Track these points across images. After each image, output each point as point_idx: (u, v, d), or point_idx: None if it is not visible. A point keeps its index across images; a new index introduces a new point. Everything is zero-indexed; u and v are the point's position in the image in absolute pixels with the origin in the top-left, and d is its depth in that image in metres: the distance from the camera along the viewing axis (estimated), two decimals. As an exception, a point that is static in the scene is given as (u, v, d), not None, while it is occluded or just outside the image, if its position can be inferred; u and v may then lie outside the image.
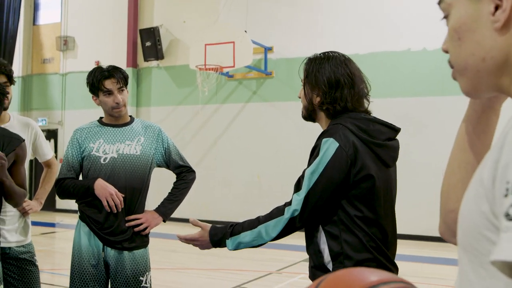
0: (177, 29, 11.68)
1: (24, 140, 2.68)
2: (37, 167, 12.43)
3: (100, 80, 2.78)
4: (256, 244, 1.91)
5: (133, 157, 2.82)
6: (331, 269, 1.86)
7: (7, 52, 12.45)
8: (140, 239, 2.86)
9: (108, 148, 2.80)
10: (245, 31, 9.83)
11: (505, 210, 0.60)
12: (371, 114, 2.02)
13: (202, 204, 10.82)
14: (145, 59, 11.79)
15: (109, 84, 2.78)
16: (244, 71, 10.61)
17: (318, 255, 1.89)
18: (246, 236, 1.91)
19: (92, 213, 2.80)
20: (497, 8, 0.72)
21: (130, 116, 2.99)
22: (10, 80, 3.00)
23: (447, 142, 9.77)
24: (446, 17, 0.81)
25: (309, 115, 2.00)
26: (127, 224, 2.80)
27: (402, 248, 8.51)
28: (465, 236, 0.72)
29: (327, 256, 1.87)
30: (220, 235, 1.98)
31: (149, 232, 2.90)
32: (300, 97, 2.03)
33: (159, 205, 2.99)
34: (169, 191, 3.05)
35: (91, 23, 12.81)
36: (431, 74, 8.99)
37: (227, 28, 10.01)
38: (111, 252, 2.79)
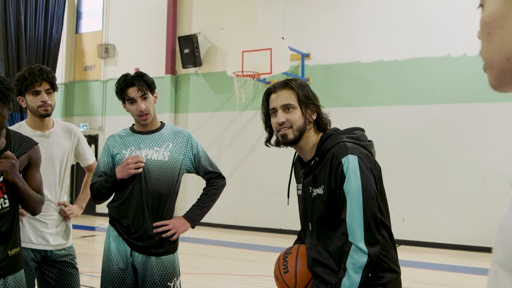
0: (215, 36, 11.79)
1: (37, 144, 2.63)
2: (79, 172, 12.72)
3: (123, 88, 2.82)
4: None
5: (161, 163, 2.84)
6: (370, 274, 1.96)
7: (51, 60, 12.81)
8: (168, 245, 2.86)
9: (137, 154, 2.83)
10: (282, 38, 9.84)
11: None
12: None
13: (238, 210, 10.85)
14: (184, 66, 11.93)
15: (131, 92, 2.81)
16: (281, 77, 10.60)
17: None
18: None
19: (120, 218, 2.83)
20: None
21: (161, 122, 3.01)
22: (53, 87, 3.06)
23: (487, 149, 9.63)
24: (481, 5, 0.80)
25: (300, 135, 2.13)
26: (154, 231, 2.81)
27: (444, 258, 8.37)
28: (509, 254, 0.70)
29: None
30: None
31: (177, 238, 2.91)
32: (286, 121, 2.12)
33: (187, 211, 2.99)
34: (198, 197, 3.06)
35: (131, 31, 13.06)
36: (471, 80, 8.81)
37: (264, 34, 10.04)
38: (138, 257, 2.82)
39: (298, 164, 2.26)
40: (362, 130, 2.17)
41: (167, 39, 12.32)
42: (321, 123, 2.16)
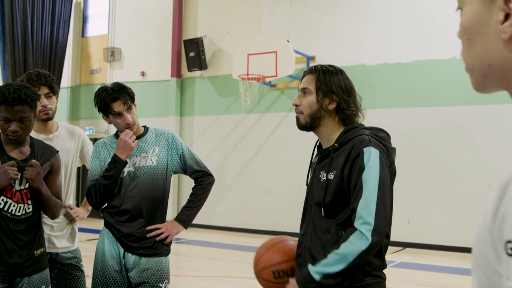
0: (220, 40, 11.82)
1: (58, 151, 2.78)
2: (84, 174, 12.76)
3: (107, 103, 2.80)
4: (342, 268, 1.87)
5: (150, 168, 2.87)
6: (351, 274, 1.91)
7: (57, 63, 12.87)
8: (161, 248, 2.90)
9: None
10: (288, 41, 9.85)
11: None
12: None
13: (244, 213, 10.86)
14: (189, 69, 11.97)
15: (117, 107, 2.80)
16: (287, 80, 10.63)
17: None
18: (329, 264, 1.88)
19: (115, 223, 2.86)
20: (507, 17, 0.67)
21: (144, 126, 3.01)
22: (53, 90, 3.07)
23: (493, 151, 9.61)
24: (460, 8, 0.78)
25: (313, 122, 2.10)
26: (148, 235, 2.85)
27: (449, 260, 8.34)
28: (478, 265, 0.71)
29: None
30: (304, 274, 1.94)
31: (170, 241, 2.95)
32: (298, 105, 2.12)
33: (178, 214, 3.03)
34: (188, 197, 3.08)
35: (136, 35, 13.11)
36: (477, 82, 8.78)
37: (269, 38, 10.06)
38: (131, 258, 2.85)
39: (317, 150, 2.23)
40: (388, 135, 2.13)
41: (172, 43, 12.36)
42: (340, 116, 2.09)
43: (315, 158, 2.19)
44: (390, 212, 1.95)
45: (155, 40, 12.77)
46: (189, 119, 12.21)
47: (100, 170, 2.89)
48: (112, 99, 2.80)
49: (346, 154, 1.96)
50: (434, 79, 9.39)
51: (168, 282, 2.92)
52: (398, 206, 10.50)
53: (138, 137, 2.92)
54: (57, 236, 3.08)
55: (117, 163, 2.79)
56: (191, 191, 3.07)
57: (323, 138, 2.13)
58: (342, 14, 10.39)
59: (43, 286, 2.67)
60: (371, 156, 1.91)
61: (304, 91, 2.12)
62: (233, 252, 8.75)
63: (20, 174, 2.52)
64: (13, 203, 2.55)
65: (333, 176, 1.98)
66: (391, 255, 8.37)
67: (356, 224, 1.84)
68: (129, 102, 2.83)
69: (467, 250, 8.60)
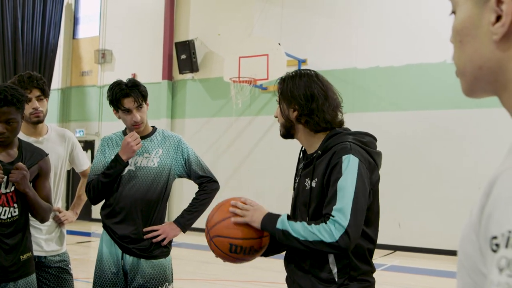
0: (211, 42, 11.81)
1: (47, 154, 2.74)
2: (74, 177, 12.69)
3: (119, 98, 2.80)
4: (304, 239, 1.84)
5: (150, 169, 2.85)
6: (336, 280, 1.91)
7: (48, 65, 12.80)
8: (159, 249, 2.87)
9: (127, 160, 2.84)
10: (279, 44, 9.86)
11: (496, 268, 0.59)
12: (344, 125, 2.11)
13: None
14: (180, 72, 11.94)
15: (127, 103, 2.80)
16: (278, 83, 10.62)
17: (323, 266, 1.92)
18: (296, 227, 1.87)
19: (112, 223, 2.85)
20: (498, 18, 0.69)
21: (153, 127, 3.00)
22: (44, 93, 3.05)
23: (484, 155, 9.65)
24: (454, 12, 0.79)
25: (288, 131, 2.09)
26: (145, 236, 2.82)
27: (440, 263, 8.36)
28: (463, 266, 0.71)
29: (333, 267, 1.91)
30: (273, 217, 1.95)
31: (168, 243, 2.91)
32: (276, 116, 2.13)
33: (178, 216, 3.00)
34: (190, 201, 3.05)
35: (128, 36, 13.07)
36: (468, 86, 8.84)
37: (261, 40, 10.07)
38: (129, 260, 2.83)
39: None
40: (374, 138, 2.07)
41: (164, 45, 12.33)
42: (303, 124, 2.03)
43: (301, 164, 2.16)
44: (374, 226, 1.96)
45: (146, 42, 12.74)
46: (180, 121, 12.18)
47: (103, 166, 2.87)
48: (124, 95, 2.79)
49: (326, 161, 1.94)
50: (425, 83, 9.43)
51: (169, 284, 2.88)
52: (389, 209, 10.60)
53: (144, 137, 2.91)
54: (45, 239, 3.06)
55: (117, 163, 2.78)
56: (194, 196, 3.03)
57: (304, 145, 2.12)
58: (334, 18, 10.41)
59: None
60: (350, 164, 1.87)
61: (279, 105, 2.11)
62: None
63: (6, 177, 2.49)
64: None
65: (315, 183, 1.96)
66: (382, 258, 8.38)
67: (328, 222, 1.81)
68: (140, 100, 2.81)
69: (457, 253, 8.67)
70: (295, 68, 10.50)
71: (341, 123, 2.08)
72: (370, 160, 1.97)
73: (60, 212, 3.16)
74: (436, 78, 9.32)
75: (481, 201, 0.66)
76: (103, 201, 2.93)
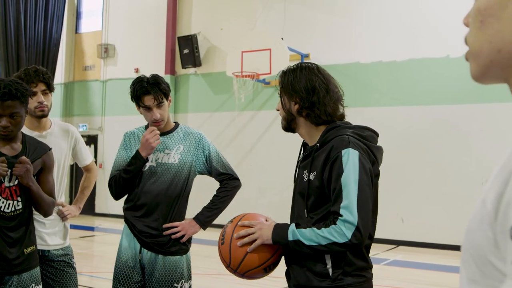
0: (214, 37, 11.80)
1: (51, 149, 2.75)
2: (78, 172, 12.72)
3: (139, 95, 2.80)
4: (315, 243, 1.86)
5: (170, 165, 2.85)
6: (330, 274, 1.91)
7: (51, 60, 12.81)
8: (178, 246, 2.87)
9: (149, 156, 2.84)
10: (282, 38, 9.84)
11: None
12: (346, 120, 2.12)
13: (237, 211, 10.83)
14: (183, 66, 11.94)
15: (147, 100, 2.79)
16: (281, 78, 10.61)
17: (317, 260, 1.92)
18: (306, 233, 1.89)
19: (132, 219, 2.86)
20: None
21: (175, 122, 3.00)
22: (49, 87, 3.07)
23: (487, 150, 9.62)
24: None
25: (289, 125, 2.11)
26: (164, 233, 2.83)
27: (442, 258, 8.36)
28: (470, 256, 0.70)
29: (328, 261, 1.92)
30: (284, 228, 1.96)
31: (188, 240, 2.91)
32: (278, 110, 2.14)
33: (198, 213, 2.98)
34: (211, 199, 3.03)
35: (130, 31, 13.06)
36: (470, 81, 8.69)
37: (263, 35, 10.05)
38: (147, 255, 2.84)
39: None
40: (375, 132, 2.06)
41: (166, 39, 12.33)
42: (304, 117, 2.03)
43: (301, 156, 2.17)
44: (371, 213, 1.93)
45: (149, 36, 12.74)
46: (183, 116, 12.18)
47: (125, 161, 2.88)
48: (144, 92, 2.79)
49: (325, 155, 1.93)
50: (428, 78, 9.41)
51: (186, 281, 2.87)
52: (392, 204, 10.59)
53: (165, 133, 2.90)
54: (49, 234, 3.07)
55: (137, 159, 2.79)
56: (215, 193, 3.03)
57: (305, 138, 2.12)
58: (336, 12, 10.39)
59: (33, 285, 2.64)
60: (350, 158, 1.86)
61: (280, 99, 2.12)
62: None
63: (10, 170, 2.50)
64: (2, 199, 2.52)
65: (313, 176, 1.96)
66: (385, 253, 8.39)
67: (338, 222, 1.82)
68: (160, 98, 2.80)
69: (459, 248, 8.68)
70: (297, 62, 10.49)
71: (342, 116, 2.09)
72: (370, 153, 1.96)
73: (63, 206, 3.17)
74: (439, 73, 9.30)
75: (498, 189, 0.64)
76: (125, 196, 2.94)
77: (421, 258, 8.19)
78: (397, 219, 9.32)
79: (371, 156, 1.97)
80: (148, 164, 2.84)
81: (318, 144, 1.99)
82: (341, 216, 1.82)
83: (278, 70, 10.40)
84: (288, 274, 2.11)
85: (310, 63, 2.13)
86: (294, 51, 10.18)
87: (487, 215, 0.66)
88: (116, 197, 2.91)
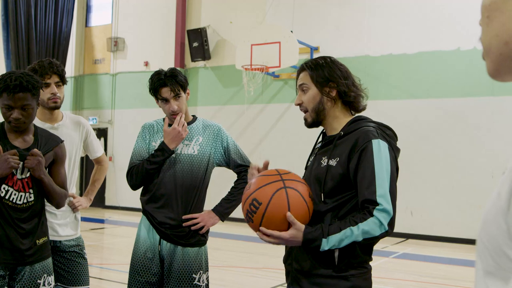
0: (223, 30, 11.79)
1: (63, 141, 2.76)
2: (88, 164, 12.79)
3: (157, 88, 2.82)
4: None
5: (190, 156, 2.87)
6: (336, 263, 1.93)
7: (61, 53, 12.87)
8: (196, 238, 2.88)
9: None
10: (291, 31, 9.82)
11: None
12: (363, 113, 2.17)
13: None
14: (192, 60, 11.95)
15: (164, 92, 2.82)
16: (290, 71, 10.61)
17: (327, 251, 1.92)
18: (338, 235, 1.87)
19: (151, 209, 2.87)
20: None
21: (193, 116, 3.02)
22: (62, 80, 3.10)
23: (497, 143, 9.56)
24: None
25: (318, 116, 2.10)
26: (184, 224, 2.84)
27: (451, 251, 8.35)
28: (486, 248, 0.70)
29: (335, 250, 1.93)
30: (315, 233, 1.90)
31: (206, 232, 2.93)
32: (300, 104, 2.13)
33: (216, 205, 3.01)
34: (229, 190, 3.05)
35: (140, 24, 13.09)
36: (481, 73, 8.75)
37: (273, 28, 10.03)
38: (166, 246, 2.85)
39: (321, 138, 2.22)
40: (395, 134, 2.08)
41: (176, 33, 12.34)
42: (345, 99, 2.08)
43: (318, 143, 2.18)
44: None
45: (158, 30, 12.75)
46: (193, 109, 12.19)
47: (144, 152, 2.90)
48: (161, 85, 2.81)
49: (351, 143, 1.95)
50: (438, 71, 9.35)
51: (204, 272, 2.89)
52: (401, 197, 10.52)
53: None
54: (60, 224, 3.10)
55: (164, 151, 2.80)
56: (233, 185, 3.05)
57: (329, 128, 2.13)
58: (346, 5, 10.34)
59: (45, 275, 2.67)
60: (381, 149, 1.90)
61: (302, 88, 2.11)
62: (236, 242, 8.78)
63: (21, 163, 2.52)
64: (14, 191, 2.54)
65: (335, 162, 1.96)
66: (394, 246, 8.38)
67: (376, 212, 1.84)
68: (177, 90, 2.82)
69: (469, 241, 8.63)
70: (307, 56, 10.47)
71: (364, 108, 2.15)
72: (393, 150, 1.98)
73: (74, 198, 3.20)
74: (449, 65, 9.24)
75: (509, 183, 0.65)
76: (142, 187, 2.95)
77: (430, 251, 8.18)
78: (407, 212, 9.30)
79: (398, 152, 2.02)
80: None
81: (342, 133, 2.03)
82: (379, 205, 1.84)
83: (287, 63, 10.41)
84: (287, 259, 2.11)
85: (328, 56, 2.19)
86: (303, 44, 10.16)
87: (501, 208, 0.66)
88: (135, 187, 2.92)
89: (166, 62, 12.27)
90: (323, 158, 2.04)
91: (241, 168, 3.02)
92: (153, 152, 2.85)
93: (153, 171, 2.84)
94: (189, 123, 2.95)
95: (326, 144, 2.08)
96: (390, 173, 1.88)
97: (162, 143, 2.81)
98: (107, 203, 13.10)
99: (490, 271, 0.68)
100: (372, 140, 1.91)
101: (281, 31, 9.79)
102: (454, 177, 9.08)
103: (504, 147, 8.54)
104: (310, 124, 2.13)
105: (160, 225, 2.84)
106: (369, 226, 1.83)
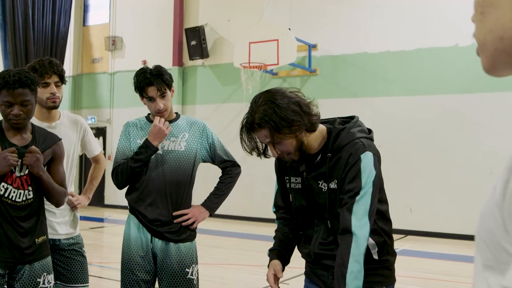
0: (221, 28, 11.78)
1: (61, 139, 2.77)
2: (86, 163, 12.79)
3: (143, 86, 2.83)
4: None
5: (177, 153, 2.89)
6: (377, 258, 2.08)
7: (59, 52, 12.85)
8: (187, 233, 2.92)
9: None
10: (289, 29, 9.81)
11: None
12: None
13: (245, 202, 10.88)
14: (191, 58, 11.94)
15: (150, 91, 2.83)
16: (288, 68, 10.60)
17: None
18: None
19: (140, 207, 2.87)
20: None
21: (176, 113, 3.04)
22: (62, 80, 3.11)
23: (496, 139, 9.56)
24: None
25: (302, 151, 2.03)
26: (175, 221, 2.86)
27: (451, 248, 8.36)
28: (484, 242, 0.70)
29: (373, 247, 2.06)
30: None
31: (196, 227, 2.96)
32: (280, 153, 2.03)
33: (205, 200, 3.05)
34: (215, 185, 3.10)
35: (138, 23, 13.07)
36: (479, 70, 8.62)
37: (271, 26, 10.02)
38: (158, 243, 2.87)
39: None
40: (357, 119, 2.13)
41: (174, 31, 12.33)
42: (310, 128, 2.00)
43: (300, 165, 2.12)
44: (385, 200, 2.12)
45: (156, 28, 12.74)
46: (191, 107, 12.20)
47: (128, 151, 2.90)
48: (147, 84, 2.83)
49: (344, 162, 1.99)
50: (437, 67, 9.36)
51: (195, 265, 2.94)
52: (400, 194, 10.56)
53: (169, 122, 2.94)
54: (59, 223, 3.11)
55: (148, 148, 2.81)
56: (219, 180, 3.10)
57: (308, 148, 2.07)
58: (344, 2, 10.34)
59: (45, 274, 2.67)
60: (368, 161, 1.96)
61: (272, 143, 2.00)
62: (235, 240, 8.78)
63: (20, 160, 2.52)
64: (13, 189, 2.54)
65: (336, 185, 2.02)
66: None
67: (354, 229, 1.93)
68: (163, 89, 2.84)
69: (468, 237, 8.63)
70: (305, 53, 10.47)
71: (319, 114, 2.06)
72: (376, 148, 2.06)
73: (72, 196, 3.21)
74: (448, 62, 9.25)
75: (504, 176, 0.65)
76: (128, 186, 2.95)
77: (430, 248, 8.19)
78: (406, 209, 9.31)
79: (378, 152, 2.06)
80: None
81: (329, 154, 2.03)
82: (353, 235, 1.93)
83: (285, 61, 10.35)
84: (312, 260, 2.17)
85: (263, 94, 2.06)
86: (301, 42, 10.15)
87: (496, 201, 0.67)
88: (121, 186, 2.92)
89: (164, 61, 12.26)
90: (320, 182, 2.06)
91: (226, 163, 3.08)
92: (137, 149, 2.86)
93: (139, 169, 2.84)
94: (173, 121, 2.97)
95: (315, 167, 2.07)
96: (373, 184, 1.95)
97: (146, 140, 2.82)
98: (106, 202, 13.10)
99: (489, 264, 0.68)
100: (361, 156, 1.96)
101: (279, 29, 9.78)
102: (453, 173, 9.09)
103: (502, 143, 8.54)
104: (299, 160, 2.08)
105: (151, 223, 2.85)
106: (354, 255, 1.92)
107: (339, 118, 2.18)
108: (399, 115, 9.46)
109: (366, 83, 9.98)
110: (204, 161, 3.04)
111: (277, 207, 2.33)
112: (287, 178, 2.21)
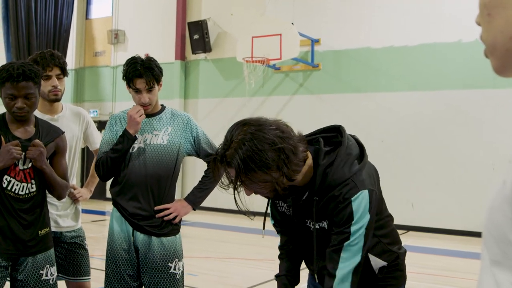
0: (224, 22, 11.75)
1: (63, 132, 2.77)
2: (89, 155, 12.81)
3: (131, 77, 2.81)
4: None
5: (159, 146, 2.86)
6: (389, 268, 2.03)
7: (61, 46, 12.84)
8: (170, 227, 2.89)
9: (138, 137, 2.86)
10: (292, 23, 9.79)
11: None
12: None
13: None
14: (193, 52, 11.93)
15: (138, 84, 2.81)
16: (291, 63, 10.59)
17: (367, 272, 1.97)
18: None
19: (122, 200, 2.86)
20: None
21: (162, 105, 3.01)
22: (64, 72, 3.10)
23: (498, 135, 9.54)
24: None
25: (284, 189, 1.81)
26: (157, 215, 2.84)
27: (452, 244, 8.35)
28: (492, 237, 0.70)
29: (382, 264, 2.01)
30: None
31: (179, 221, 2.94)
32: (255, 193, 1.88)
33: (188, 194, 3.02)
34: (199, 179, 3.06)
35: (140, 17, 13.05)
36: (482, 66, 8.72)
37: (274, 20, 10.00)
38: (140, 237, 2.85)
39: None
40: (345, 141, 1.86)
41: (176, 25, 12.30)
42: (289, 177, 1.75)
43: (287, 199, 1.98)
44: (384, 207, 2.04)
45: (159, 22, 12.72)
46: (193, 102, 12.20)
47: (111, 143, 2.89)
48: (136, 75, 2.80)
49: (333, 206, 1.83)
50: (440, 63, 9.33)
51: (180, 260, 2.91)
52: (402, 190, 10.56)
53: (153, 115, 2.92)
54: (61, 216, 3.11)
55: (125, 137, 2.80)
56: (204, 174, 3.05)
57: (296, 182, 1.88)
58: (347, -3, 10.30)
59: (47, 266, 2.68)
60: (362, 203, 1.79)
61: (247, 186, 1.82)
62: (237, 234, 8.80)
63: (23, 153, 2.53)
64: (16, 182, 2.55)
65: (327, 225, 1.89)
66: (394, 238, 8.40)
67: (336, 282, 1.82)
68: (152, 83, 2.82)
69: (470, 233, 8.63)
70: (308, 48, 10.44)
71: (305, 158, 1.83)
72: (372, 174, 1.88)
73: (74, 189, 3.21)
74: (451, 57, 9.22)
75: None
76: (112, 178, 2.95)
77: (431, 244, 8.19)
78: (407, 205, 9.31)
79: (374, 177, 1.89)
80: (136, 146, 2.84)
81: (316, 198, 1.84)
82: (336, 278, 1.82)
83: (288, 56, 10.33)
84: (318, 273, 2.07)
85: (239, 127, 1.90)
86: (304, 36, 10.13)
87: (506, 196, 0.66)
88: (103, 178, 2.93)
89: (167, 55, 12.26)
90: (308, 222, 1.93)
91: (211, 157, 3.04)
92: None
93: (118, 160, 2.82)
94: (156, 114, 2.94)
95: (303, 204, 1.91)
96: (366, 226, 1.79)
97: (124, 130, 2.81)
98: (108, 195, 13.10)
99: (497, 260, 0.68)
100: (352, 199, 1.78)
101: (282, 23, 9.77)
102: (455, 169, 9.08)
103: (505, 140, 8.53)
104: (289, 195, 1.93)
105: (132, 216, 2.84)
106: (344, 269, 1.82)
107: (321, 134, 1.94)
108: (402, 110, 9.44)
109: (369, 78, 9.96)
110: (189, 155, 3.00)
111: (274, 220, 2.20)
112: (277, 201, 2.08)
